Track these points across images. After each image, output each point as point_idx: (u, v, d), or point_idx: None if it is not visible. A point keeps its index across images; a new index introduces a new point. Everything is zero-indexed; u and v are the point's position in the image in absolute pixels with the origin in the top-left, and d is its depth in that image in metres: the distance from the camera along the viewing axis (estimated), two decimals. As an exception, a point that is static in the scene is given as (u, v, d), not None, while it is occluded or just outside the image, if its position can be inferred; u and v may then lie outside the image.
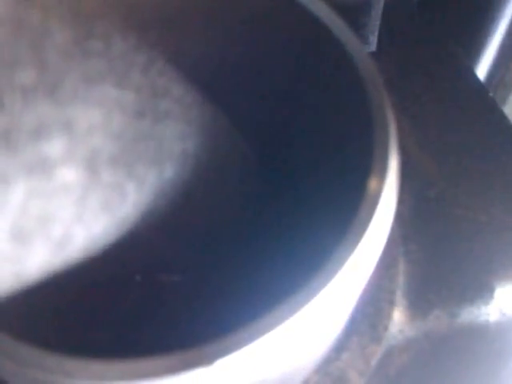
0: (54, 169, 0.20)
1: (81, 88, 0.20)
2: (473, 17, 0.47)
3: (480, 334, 0.26)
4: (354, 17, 0.34)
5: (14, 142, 0.19)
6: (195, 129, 0.22)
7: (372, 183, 0.17)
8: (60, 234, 0.20)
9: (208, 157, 0.23)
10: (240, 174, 0.24)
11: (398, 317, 0.25)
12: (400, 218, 0.27)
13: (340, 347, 0.24)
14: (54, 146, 0.20)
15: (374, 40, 0.36)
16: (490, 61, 0.49)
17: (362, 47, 0.21)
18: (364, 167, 0.18)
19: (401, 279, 0.26)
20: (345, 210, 0.17)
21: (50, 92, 0.19)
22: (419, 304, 0.26)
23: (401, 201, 0.29)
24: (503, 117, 0.34)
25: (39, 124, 0.19)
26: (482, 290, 0.27)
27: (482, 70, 0.50)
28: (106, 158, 0.21)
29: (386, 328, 0.24)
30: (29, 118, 0.19)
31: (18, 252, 0.20)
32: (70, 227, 0.20)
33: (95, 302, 0.22)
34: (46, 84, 0.19)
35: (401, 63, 0.35)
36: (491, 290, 0.27)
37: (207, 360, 0.15)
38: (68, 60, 0.20)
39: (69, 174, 0.20)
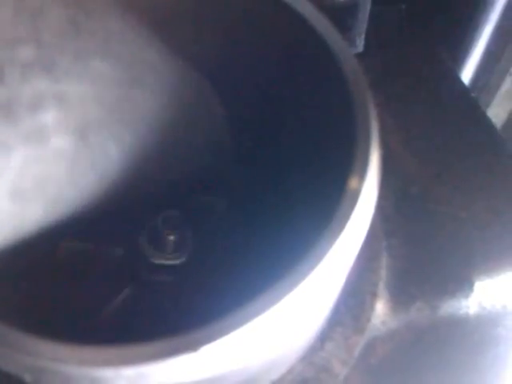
0: (48, 137, 0.21)
1: (77, 64, 0.21)
2: (458, 22, 0.48)
3: (460, 325, 0.27)
4: (342, 19, 0.35)
5: (14, 112, 0.20)
6: (181, 94, 0.23)
7: (353, 178, 0.18)
8: (53, 193, 0.21)
9: (185, 128, 0.24)
10: (218, 159, 0.25)
11: (381, 309, 0.26)
12: (383, 213, 0.28)
13: (324, 337, 0.25)
14: (48, 117, 0.21)
15: (360, 42, 0.36)
16: (475, 65, 0.51)
17: (347, 48, 0.22)
18: (346, 163, 0.19)
19: (383, 272, 0.27)
20: (328, 204, 0.18)
21: (46, 67, 0.21)
22: (401, 296, 0.27)
23: (384, 197, 0.30)
24: (485, 117, 0.35)
25: (36, 96, 0.20)
26: (462, 284, 0.28)
27: (467, 74, 0.51)
28: (95, 123, 0.22)
29: (368, 319, 0.25)
30: (27, 90, 0.20)
31: (17, 209, 0.21)
32: (61, 188, 0.21)
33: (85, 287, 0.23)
34: (43, 60, 0.21)
35: (387, 64, 0.36)
36: (471, 284, 0.28)
37: (193, 346, 0.15)
38: (63, 38, 0.21)
39: (61, 141, 0.21)
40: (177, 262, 0.25)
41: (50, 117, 0.21)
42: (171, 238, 0.25)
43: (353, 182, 0.18)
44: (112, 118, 0.22)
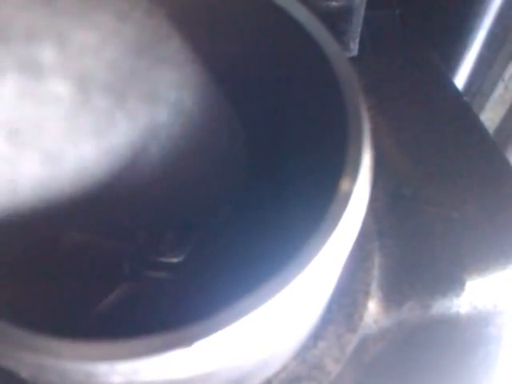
0: (44, 76, 0.20)
1: (78, 7, 0.21)
2: (452, 28, 0.49)
3: (451, 324, 0.28)
4: (336, 23, 0.36)
5: (7, 37, 0.20)
6: (191, 86, 0.23)
7: (345, 179, 0.19)
8: (51, 147, 0.21)
9: (201, 118, 0.23)
10: (228, 152, 0.25)
11: (373, 307, 0.26)
12: (375, 214, 0.29)
13: (317, 336, 0.25)
14: (45, 53, 0.20)
15: (355, 46, 0.37)
16: (469, 70, 0.51)
17: (341, 51, 0.22)
18: (339, 165, 0.19)
19: (376, 272, 0.27)
20: (320, 205, 0.18)
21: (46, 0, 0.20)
22: (393, 296, 0.27)
23: (376, 198, 0.30)
24: (477, 120, 0.35)
25: (32, 27, 0.20)
26: (453, 284, 0.28)
27: (460, 79, 0.52)
28: (98, 82, 0.21)
29: (361, 318, 0.26)
30: (22, 19, 0.20)
31: (13, 154, 0.20)
32: (60, 143, 0.21)
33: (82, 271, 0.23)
34: None
35: (381, 68, 0.37)
36: (462, 284, 0.28)
37: (187, 342, 0.15)
38: None
39: (59, 86, 0.21)
40: (175, 259, 0.25)
41: (46, 54, 0.20)
42: (170, 235, 0.25)
43: (344, 183, 0.19)
44: (124, 87, 0.21)
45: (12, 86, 0.20)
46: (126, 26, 0.22)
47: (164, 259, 0.25)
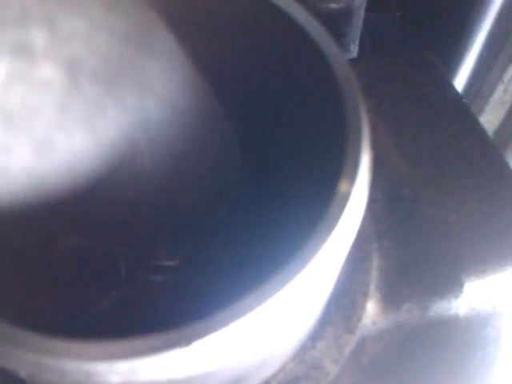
0: (35, 60, 0.21)
1: None
2: (451, 30, 0.49)
3: (450, 326, 0.28)
4: (336, 25, 0.36)
5: (0, 21, 0.20)
6: (183, 82, 0.23)
7: (344, 180, 0.19)
8: (42, 133, 0.21)
9: (192, 116, 0.23)
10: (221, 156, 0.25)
11: (372, 309, 0.26)
12: (374, 215, 0.29)
13: (315, 336, 0.25)
14: (36, 38, 0.20)
15: (354, 47, 0.37)
16: (468, 72, 0.51)
17: (341, 53, 0.22)
18: (338, 166, 0.19)
19: (374, 273, 0.27)
20: (319, 206, 0.18)
21: None
22: (392, 297, 0.27)
23: (375, 199, 0.31)
24: (476, 122, 0.35)
25: (24, 12, 0.20)
26: (452, 285, 0.28)
27: (460, 81, 0.52)
28: (88, 69, 0.22)
29: (359, 319, 0.26)
30: (15, 3, 0.20)
31: (7, 140, 0.20)
32: (51, 130, 0.21)
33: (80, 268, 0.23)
34: None
35: (380, 70, 0.37)
36: (461, 285, 0.28)
37: (185, 341, 0.16)
38: None
39: (49, 71, 0.21)
40: (171, 262, 0.25)
41: (37, 38, 0.21)
42: (166, 238, 0.25)
43: (343, 184, 0.19)
44: (113, 74, 0.22)
45: (5, 70, 0.20)
46: (115, 15, 0.22)
47: (160, 262, 0.25)
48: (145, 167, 0.23)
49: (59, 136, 0.22)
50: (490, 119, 0.57)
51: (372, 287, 0.27)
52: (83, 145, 0.22)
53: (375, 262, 0.27)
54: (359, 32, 0.37)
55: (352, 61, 0.39)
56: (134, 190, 0.23)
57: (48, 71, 0.21)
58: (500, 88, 0.54)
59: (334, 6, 0.36)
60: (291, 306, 0.17)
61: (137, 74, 0.22)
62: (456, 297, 0.28)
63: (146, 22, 0.22)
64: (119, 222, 0.24)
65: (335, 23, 0.36)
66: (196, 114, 0.24)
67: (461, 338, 0.28)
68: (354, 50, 0.38)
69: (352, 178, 0.19)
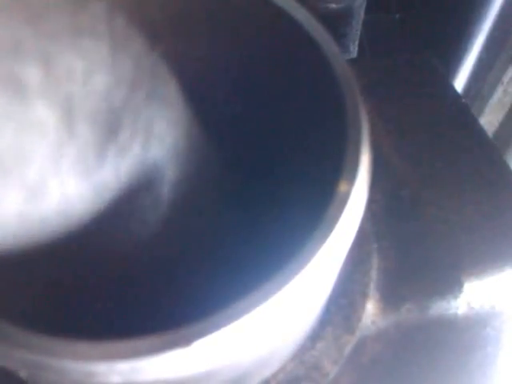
0: (28, 97, 0.19)
1: (68, 31, 0.20)
2: (451, 32, 0.49)
3: (449, 326, 0.28)
4: (336, 26, 0.36)
5: None
6: (184, 125, 0.23)
7: (343, 181, 0.19)
8: (35, 179, 0.20)
9: (190, 158, 0.23)
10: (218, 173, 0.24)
11: (371, 309, 0.26)
12: (373, 216, 0.29)
13: (315, 337, 0.25)
14: (30, 74, 0.19)
15: (354, 48, 0.37)
16: (468, 74, 0.52)
17: (341, 54, 0.22)
18: (337, 165, 0.19)
19: (374, 273, 0.27)
20: (318, 207, 0.18)
21: (31, 18, 0.19)
22: (391, 297, 0.27)
23: (374, 200, 0.31)
24: (476, 123, 0.35)
25: (17, 46, 0.19)
26: (451, 285, 0.28)
27: (459, 83, 0.52)
28: (85, 110, 0.20)
29: (359, 319, 0.26)
30: (7, 36, 0.19)
31: None
32: (44, 175, 0.20)
33: (73, 280, 0.23)
34: (30, 9, 0.19)
35: (380, 71, 0.37)
36: (460, 285, 0.28)
37: (185, 341, 0.16)
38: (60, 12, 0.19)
39: (44, 111, 0.20)
40: (171, 262, 0.25)
41: (31, 75, 0.19)
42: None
43: (343, 185, 0.19)
44: (110, 117, 0.21)
45: None
46: (116, 55, 0.21)
47: (160, 262, 0.25)
48: (144, 215, 0.22)
49: (53, 181, 0.21)
50: (489, 120, 0.57)
51: (372, 287, 0.27)
52: (78, 191, 0.21)
53: (375, 263, 0.27)
54: (359, 32, 0.37)
55: (352, 61, 0.39)
56: (129, 241, 0.22)
57: (42, 111, 0.20)
58: (500, 89, 0.54)
59: (333, 6, 0.36)
60: (291, 306, 0.17)
61: (138, 116, 0.22)
62: (455, 297, 0.28)
63: (149, 65, 0.22)
64: (113, 273, 0.22)
65: (335, 23, 0.36)
66: (197, 157, 0.24)
67: (460, 338, 0.28)
68: (353, 51, 0.38)
69: (352, 178, 0.19)
